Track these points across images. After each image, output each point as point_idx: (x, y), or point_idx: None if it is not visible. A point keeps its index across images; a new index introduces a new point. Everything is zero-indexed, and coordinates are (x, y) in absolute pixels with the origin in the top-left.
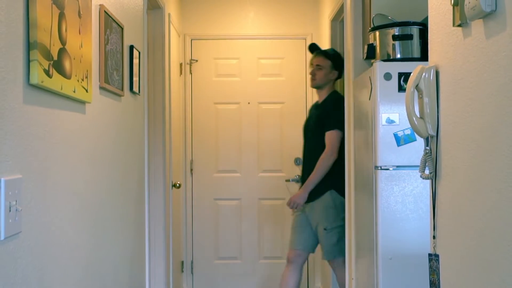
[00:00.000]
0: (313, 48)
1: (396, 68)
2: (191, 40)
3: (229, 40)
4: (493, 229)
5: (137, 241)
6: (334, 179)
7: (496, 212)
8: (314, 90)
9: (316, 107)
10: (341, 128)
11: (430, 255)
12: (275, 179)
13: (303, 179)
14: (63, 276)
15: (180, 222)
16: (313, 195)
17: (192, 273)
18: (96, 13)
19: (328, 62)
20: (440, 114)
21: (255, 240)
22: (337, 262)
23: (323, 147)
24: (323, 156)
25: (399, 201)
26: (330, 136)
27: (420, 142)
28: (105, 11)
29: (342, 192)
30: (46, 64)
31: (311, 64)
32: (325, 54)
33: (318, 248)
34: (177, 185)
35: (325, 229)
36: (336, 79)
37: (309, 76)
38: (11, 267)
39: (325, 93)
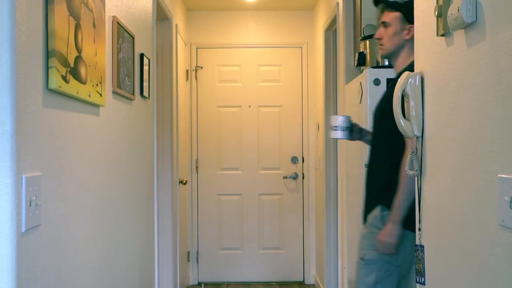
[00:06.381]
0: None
1: (384, 74)
2: (197, 48)
3: (232, 49)
4: (472, 222)
5: (147, 233)
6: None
7: (475, 207)
8: (310, 93)
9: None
10: None
11: (416, 245)
12: (274, 176)
13: (367, 198)
14: (80, 266)
15: (187, 216)
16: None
17: (197, 262)
18: (109, 24)
19: (397, 14)
20: (425, 116)
21: (255, 232)
22: None
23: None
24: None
25: None
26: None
27: None
28: (117, 22)
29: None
30: (63, 70)
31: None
32: (391, 4)
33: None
34: (184, 181)
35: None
36: None
37: (305, 80)
38: (31, 257)
39: (402, 62)
